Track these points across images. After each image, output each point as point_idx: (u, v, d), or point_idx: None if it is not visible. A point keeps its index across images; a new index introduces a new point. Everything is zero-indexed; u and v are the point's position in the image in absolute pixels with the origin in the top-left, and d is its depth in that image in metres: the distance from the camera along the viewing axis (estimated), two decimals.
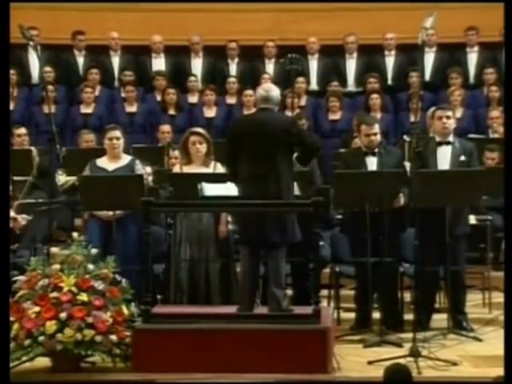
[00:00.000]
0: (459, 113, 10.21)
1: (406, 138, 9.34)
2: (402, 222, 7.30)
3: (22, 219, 7.67)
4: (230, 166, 6.59)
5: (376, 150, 7.30)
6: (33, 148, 9.26)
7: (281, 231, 6.33)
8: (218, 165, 7.31)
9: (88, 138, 9.51)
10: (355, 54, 11.61)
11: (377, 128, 7.33)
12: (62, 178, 8.85)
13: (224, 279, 7.07)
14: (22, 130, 9.56)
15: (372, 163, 7.28)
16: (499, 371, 5.17)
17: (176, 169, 7.50)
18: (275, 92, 6.53)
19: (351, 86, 11.59)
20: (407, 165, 7.45)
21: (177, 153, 8.72)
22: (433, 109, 7.96)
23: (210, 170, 7.21)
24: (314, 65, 11.61)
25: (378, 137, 7.33)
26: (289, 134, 6.38)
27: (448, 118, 7.34)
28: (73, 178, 8.41)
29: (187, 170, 7.25)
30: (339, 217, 7.92)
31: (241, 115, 9.98)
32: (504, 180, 5.99)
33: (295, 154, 6.67)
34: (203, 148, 7.22)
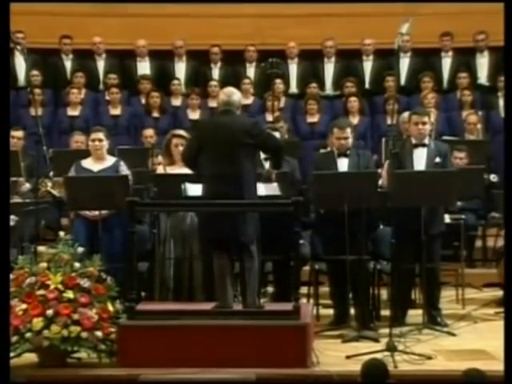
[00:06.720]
0: (433, 116, 10.38)
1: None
2: (373, 221, 7.42)
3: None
4: (192, 167, 6.63)
5: (348, 152, 7.43)
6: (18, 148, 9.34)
7: (244, 231, 6.39)
8: None
9: (79, 139, 9.53)
10: (333, 59, 11.71)
11: (348, 132, 7.42)
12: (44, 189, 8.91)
13: (207, 277, 7.06)
14: (20, 133, 9.45)
15: (343, 165, 7.41)
16: (472, 364, 5.32)
17: (160, 170, 7.60)
18: (237, 96, 6.59)
19: (329, 89, 11.69)
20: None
21: (160, 158, 8.90)
22: (408, 113, 8.09)
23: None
24: (293, 68, 11.73)
25: (350, 141, 7.44)
26: (250, 136, 6.45)
27: (424, 123, 7.45)
28: (54, 192, 8.53)
29: (170, 170, 7.34)
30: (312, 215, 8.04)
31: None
32: (504, 179, 6.12)
33: (268, 162, 6.85)
34: None
